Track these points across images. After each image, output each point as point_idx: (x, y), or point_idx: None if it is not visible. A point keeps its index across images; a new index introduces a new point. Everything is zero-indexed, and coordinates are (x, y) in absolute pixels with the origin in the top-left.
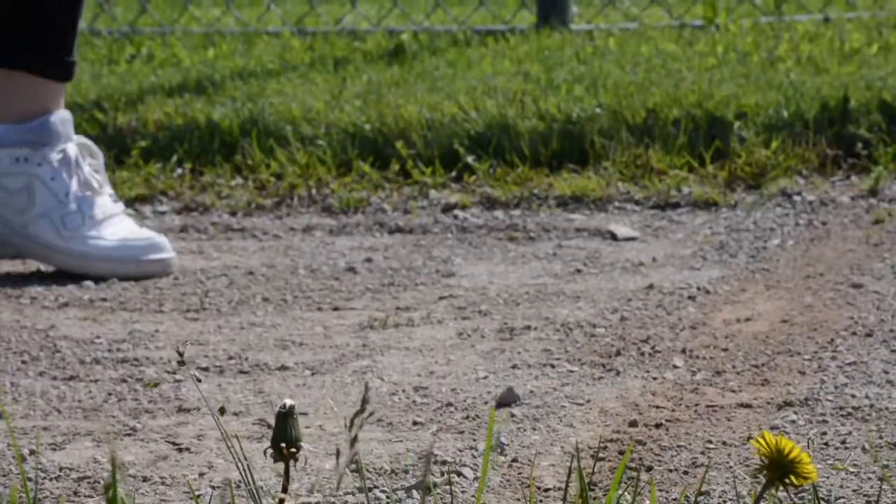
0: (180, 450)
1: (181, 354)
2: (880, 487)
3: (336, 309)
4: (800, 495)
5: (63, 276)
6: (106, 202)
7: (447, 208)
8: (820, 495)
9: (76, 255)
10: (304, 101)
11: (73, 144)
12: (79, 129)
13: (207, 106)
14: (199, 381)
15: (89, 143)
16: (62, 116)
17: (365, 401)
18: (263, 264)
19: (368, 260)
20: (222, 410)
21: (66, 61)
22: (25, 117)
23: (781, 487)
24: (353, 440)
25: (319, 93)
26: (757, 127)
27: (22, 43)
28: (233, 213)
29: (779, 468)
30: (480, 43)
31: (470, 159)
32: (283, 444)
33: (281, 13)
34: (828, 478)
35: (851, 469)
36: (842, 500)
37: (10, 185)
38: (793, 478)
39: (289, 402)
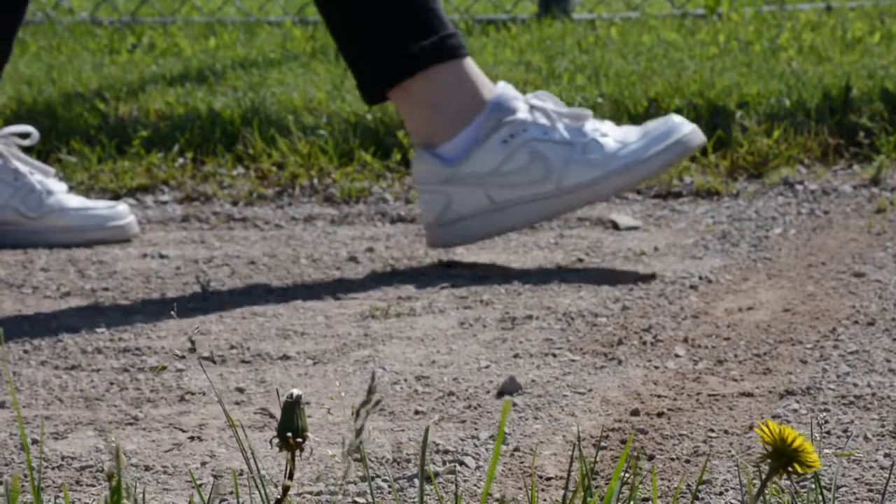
0: (182, 439)
1: (193, 342)
2: (888, 477)
3: (338, 298)
4: (801, 484)
5: (64, 266)
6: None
7: None
8: (822, 484)
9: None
10: (305, 91)
11: None
12: (80, 120)
13: (209, 95)
14: (213, 362)
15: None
16: None
17: (371, 391)
18: (265, 254)
19: (370, 249)
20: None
21: None
22: None
23: (784, 476)
24: (359, 431)
25: (321, 82)
26: (759, 116)
27: None
28: (234, 203)
29: (782, 457)
30: (482, 32)
31: None
32: (289, 434)
33: (282, 2)
34: (829, 466)
35: (853, 458)
36: (844, 489)
37: None
38: (796, 466)
39: (296, 391)
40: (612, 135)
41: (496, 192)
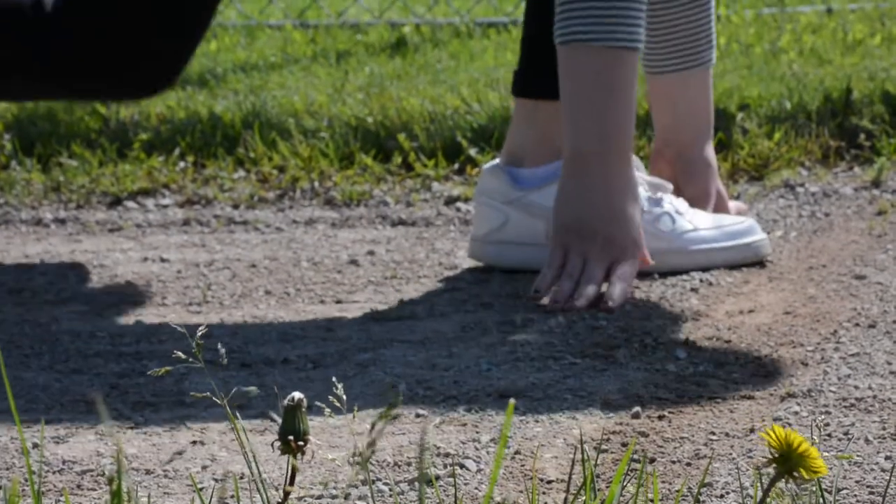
0: (183, 442)
1: (199, 344)
2: (889, 479)
3: (339, 302)
4: (802, 486)
5: (64, 270)
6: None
7: (450, 201)
8: (823, 486)
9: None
10: (306, 94)
11: None
12: (81, 124)
13: (210, 99)
14: (214, 366)
15: None
16: None
17: (392, 405)
18: (266, 257)
19: (371, 253)
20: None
21: None
22: None
23: (789, 480)
24: (372, 443)
25: (322, 85)
26: (760, 118)
27: None
28: (235, 206)
29: (787, 462)
30: (483, 35)
31: (472, 152)
32: (291, 437)
33: (283, 6)
34: (830, 469)
35: (855, 460)
36: (845, 491)
37: None
38: (802, 472)
39: (297, 395)
40: (686, 215)
41: None
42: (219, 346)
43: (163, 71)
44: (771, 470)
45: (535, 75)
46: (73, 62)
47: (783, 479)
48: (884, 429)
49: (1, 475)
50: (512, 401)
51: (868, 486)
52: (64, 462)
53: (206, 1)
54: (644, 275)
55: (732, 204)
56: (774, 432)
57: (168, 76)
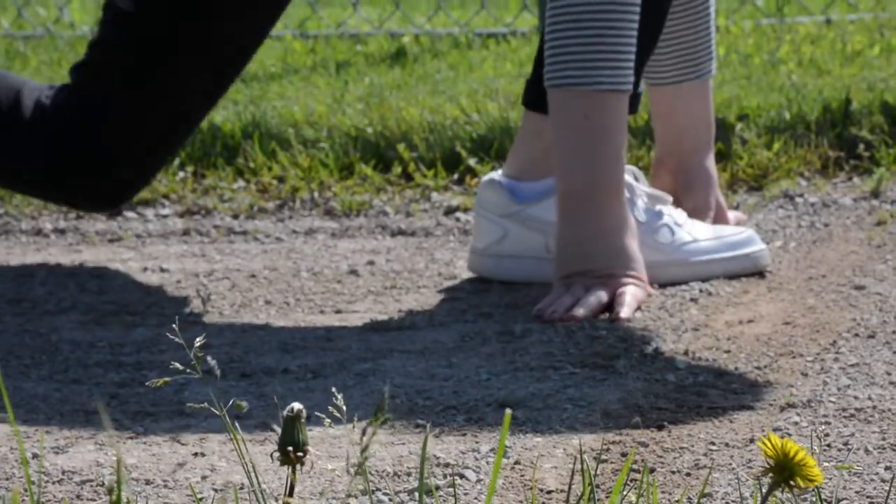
0: (183, 452)
1: (199, 353)
2: (889, 490)
3: (338, 312)
4: (803, 497)
5: (64, 280)
6: None
7: (449, 211)
8: (823, 497)
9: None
10: (306, 104)
11: None
12: None
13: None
14: (214, 376)
15: None
16: None
17: (380, 409)
18: (266, 267)
19: (371, 263)
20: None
21: None
22: None
23: (786, 489)
24: (364, 448)
25: (321, 96)
26: (758, 129)
27: None
28: (235, 216)
29: (784, 470)
30: (482, 45)
31: (472, 162)
32: (290, 448)
33: (283, 16)
34: (830, 479)
35: (854, 470)
36: (845, 502)
37: None
38: (798, 480)
39: (296, 405)
40: (685, 227)
41: (555, 244)
42: (208, 358)
43: (123, 193)
44: (769, 479)
45: (540, 86)
46: (36, 172)
47: (781, 489)
48: (883, 439)
49: (1, 485)
50: (508, 411)
51: (868, 497)
52: (64, 472)
53: (170, 136)
54: None
55: (732, 214)
56: (770, 441)
57: (127, 197)
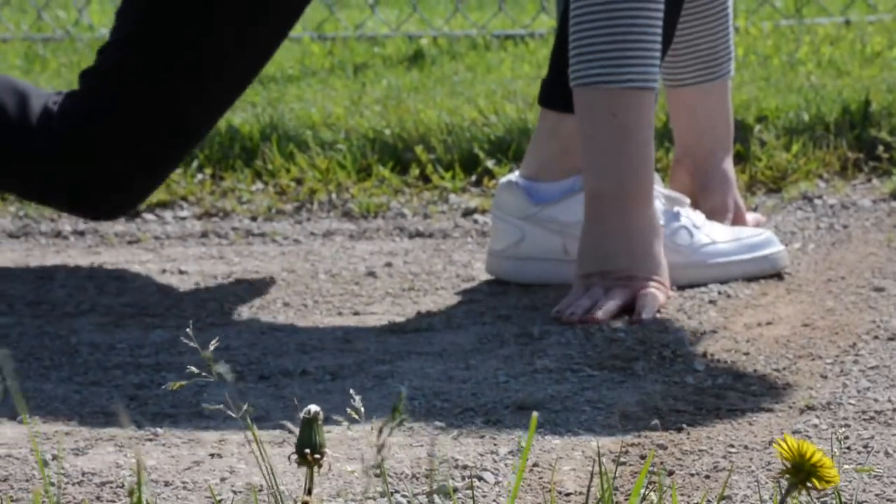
0: (202, 454)
1: (212, 359)
2: None
3: (356, 313)
4: (822, 499)
5: (83, 282)
6: None
7: (467, 213)
8: (843, 499)
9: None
10: (323, 107)
11: None
12: None
13: (228, 112)
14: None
15: None
16: None
17: (396, 409)
18: (284, 269)
19: (388, 265)
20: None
21: None
22: None
23: (804, 491)
24: (381, 448)
25: (339, 98)
26: (777, 130)
27: None
28: (253, 219)
29: (801, 472)
30: (500, 47)
31: (490, 164)
32: (308, 450)
33: (301, 19)
34: (850, 482)
35: (874, 473)
36: None
37: None
38: (815, 481)
39: (314, 407)
40: (703, 229)
41: (573, 245)
42: (221, 363)
43: (127, 203)
44: (787, 481)
45: (563, 87)
46: (43, 179)
47: (799, 491)
48: None
49: (21, 487)
50: (535, 414)
51: (888, 500)
52: (83, 474)
53: (179, 142)
54: None
55: (750, 216)
56: (787, 443)
57: (131, 206)
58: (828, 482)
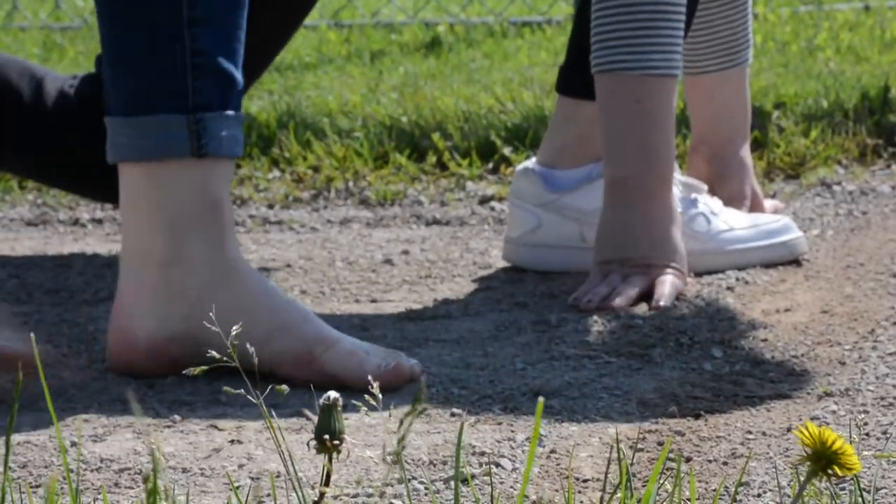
0: (220, 441)
1: (231, 345)
2: None
3: (373, 301)
4: (841, 486)
5: (101, 270)
6: None
7: (484, 200)
8: (861, 485)
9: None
10: (340, 94)
11: None
12: None
13: (244, 99)
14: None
15: None
16: None
17: (418, 399)
18: (301, 257)
19: (405, 252)
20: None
21: None
22: None
23: (824, 478)
24: (402, 438)
25: (356, 85)
26: (796, 116)
27: None
28: (270, 206)
29: (821, 459)
30: (517, 34)
31: (507, 151)
32: (326, 436)
33: (317, 6)
34: (869, 468)
35: (893, 459)
36: (884, 491)
37: None
38: (836, 469)
39: (333, 394)
40: (721, 215)
41: (590, 233)
42: (248, 345)
43: None
44: (806, 468)
45: (580, 74)
46: (58, 163)
47: (819, 478)
48: None
49: (40, 473)
50: (541, 399)
51: None
52: (102, 460)
53: None
54: None
55: (768, 202)
56: (808, 430)
57: None
58: (849, 469)
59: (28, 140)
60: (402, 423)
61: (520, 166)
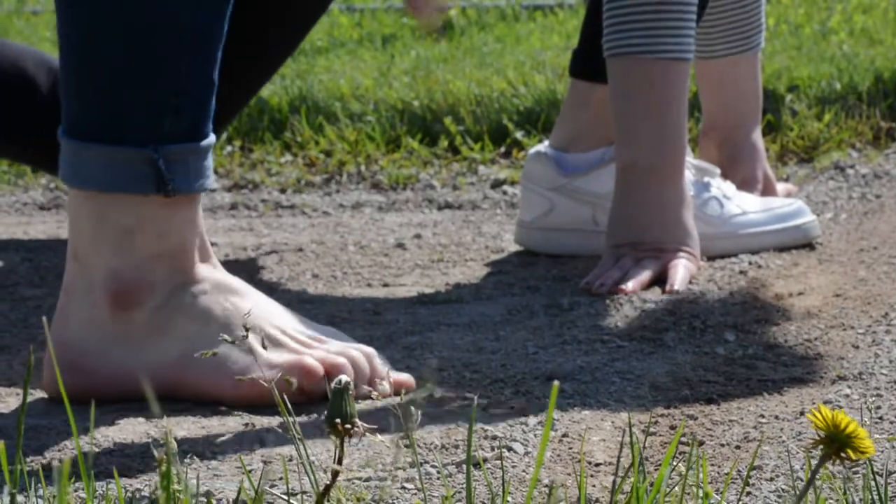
0: (232, 425)
1: (246, 329)
2: None
3: (385, 285)
4: (854, 469)
5: None
6: None
7: (496, 184)
8: (875, 469)
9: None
10: (352, 78)
11: None
12: None
13: None
14: (263, 348)
15: None
16: None
17: (424, 380)
18: (313, 241)
19: (417, 236)
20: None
21: None
22: None
23: (837, 462)
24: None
25: (368, 69)
26: (809, 100)
27: None
28: (282, 191)
29: (835, 442)
30: (529, 18)
31: (519, 135)
32: (338, 420)
33: None
34: (882, 452)
35: None
36: None
37: None
38: (849, 452)
39: (345, 378)
40: (734, 199)
41: (603, 216)
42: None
43: None
44: (819, 451)
45: (594, 57)
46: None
47: (833, 462)
48: None
49: (53, 456)
50: (556, 383)
51: None
52: (115, 444)
53: None
54: None
55: (781, 186)
56: (821, 413)
57: None
58: (862, 453)
59: (44, 131)
60: (411, 403)
61: (532, 150)
